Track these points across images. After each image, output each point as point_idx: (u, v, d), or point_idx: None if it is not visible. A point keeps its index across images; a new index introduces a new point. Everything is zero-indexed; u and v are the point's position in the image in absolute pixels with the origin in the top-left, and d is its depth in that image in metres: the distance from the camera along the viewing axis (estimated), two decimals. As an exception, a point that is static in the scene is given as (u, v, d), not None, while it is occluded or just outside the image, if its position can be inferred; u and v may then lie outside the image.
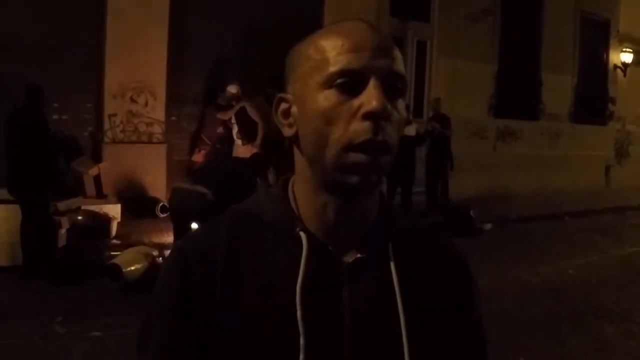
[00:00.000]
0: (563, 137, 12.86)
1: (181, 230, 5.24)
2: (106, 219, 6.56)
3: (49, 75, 6.47)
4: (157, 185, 7.86)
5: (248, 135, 7.74)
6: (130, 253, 5.38)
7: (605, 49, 13.88)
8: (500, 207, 9.93)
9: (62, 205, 6.05)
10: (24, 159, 5.18)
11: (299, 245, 0.81)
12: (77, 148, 7.29)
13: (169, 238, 6.40)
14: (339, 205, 0.82)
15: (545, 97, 12.37)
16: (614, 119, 14.14)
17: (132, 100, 7.80)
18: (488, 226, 8.67)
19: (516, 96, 11.91)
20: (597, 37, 13.67)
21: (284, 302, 0.79)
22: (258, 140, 7.64)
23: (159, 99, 7.97)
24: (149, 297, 0.84)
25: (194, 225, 5.01)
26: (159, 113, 8.03)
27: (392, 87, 0.78)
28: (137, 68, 7.63)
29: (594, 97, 13.64)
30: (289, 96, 0.84)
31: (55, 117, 6.99)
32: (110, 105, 7.67)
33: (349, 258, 0.83)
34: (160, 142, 8.07)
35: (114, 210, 6.87)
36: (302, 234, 0.81)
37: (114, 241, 6.42)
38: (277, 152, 6.77)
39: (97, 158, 7.54)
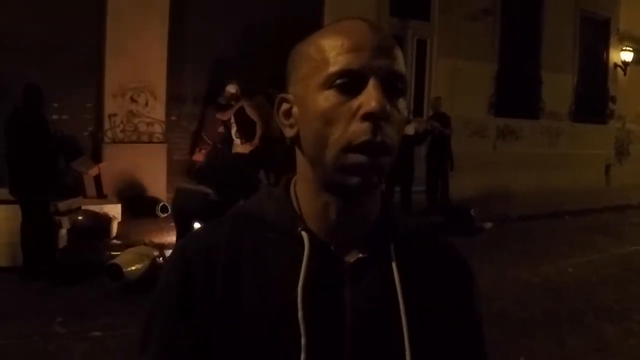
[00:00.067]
0: (563, 136, 12.86)
1: (184, 230, 5.25)
2: (106, 219, 6.56)
3: (49, 75, 6.48)
4: (157, 185, 7.86)
5: (246, 134, 7.79)
6: (130, 253, 5.39)
7: (606, 48, 13.88)
8: (501, 206, 9.92)
9: (62, 206, 6.04)
10: (24, 159, 5.17)
11: (301, 245, 0.81)
12: (77, 148, 7.27)
13: (169, 238, 6.40)
14: (340, 205, 0.82)
15: (545, 96, 12.37)
16: (614, 117, 14.14)
17: (132, 100, 7.80)
18: (488, 225, 8.67)
19: (516, 95, 11.91)
20: (597, 36, 13.66)
21: (285, 302, 0.79)
22: (256, 140, 7.69)
23: (159, 98, 7.97)
24: (149, 297, 0.84)
25: (197, 225, 5.02)
26: (159, 113, 8.03)
27: (392, 87, 0.78)
28: (137, 68, 7.63)
29: (594, 96, 13.64)
30: (290, 97, 0.84)
31: (55, 117, 7.00)
32: (110, 105, 7.67)
33: (351, 258, 0.83)
34: (161, 142, 8.07)
35: (114, 210, 6.86)
36: (303, 233, 0.81)
37: (114, 241, 6.41)
38: (272, 152, 6.82)
39: (97, 158, 7.54)
